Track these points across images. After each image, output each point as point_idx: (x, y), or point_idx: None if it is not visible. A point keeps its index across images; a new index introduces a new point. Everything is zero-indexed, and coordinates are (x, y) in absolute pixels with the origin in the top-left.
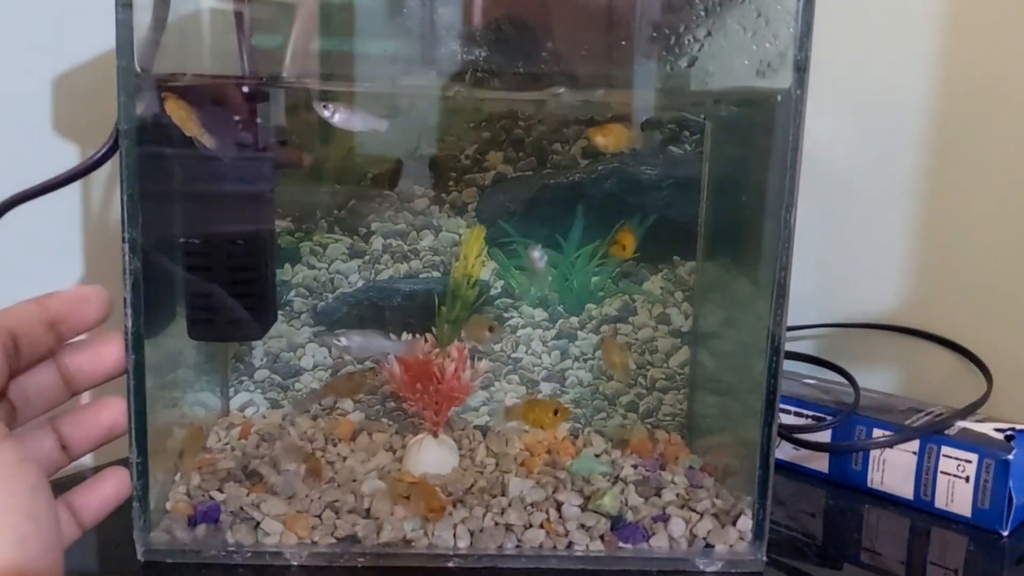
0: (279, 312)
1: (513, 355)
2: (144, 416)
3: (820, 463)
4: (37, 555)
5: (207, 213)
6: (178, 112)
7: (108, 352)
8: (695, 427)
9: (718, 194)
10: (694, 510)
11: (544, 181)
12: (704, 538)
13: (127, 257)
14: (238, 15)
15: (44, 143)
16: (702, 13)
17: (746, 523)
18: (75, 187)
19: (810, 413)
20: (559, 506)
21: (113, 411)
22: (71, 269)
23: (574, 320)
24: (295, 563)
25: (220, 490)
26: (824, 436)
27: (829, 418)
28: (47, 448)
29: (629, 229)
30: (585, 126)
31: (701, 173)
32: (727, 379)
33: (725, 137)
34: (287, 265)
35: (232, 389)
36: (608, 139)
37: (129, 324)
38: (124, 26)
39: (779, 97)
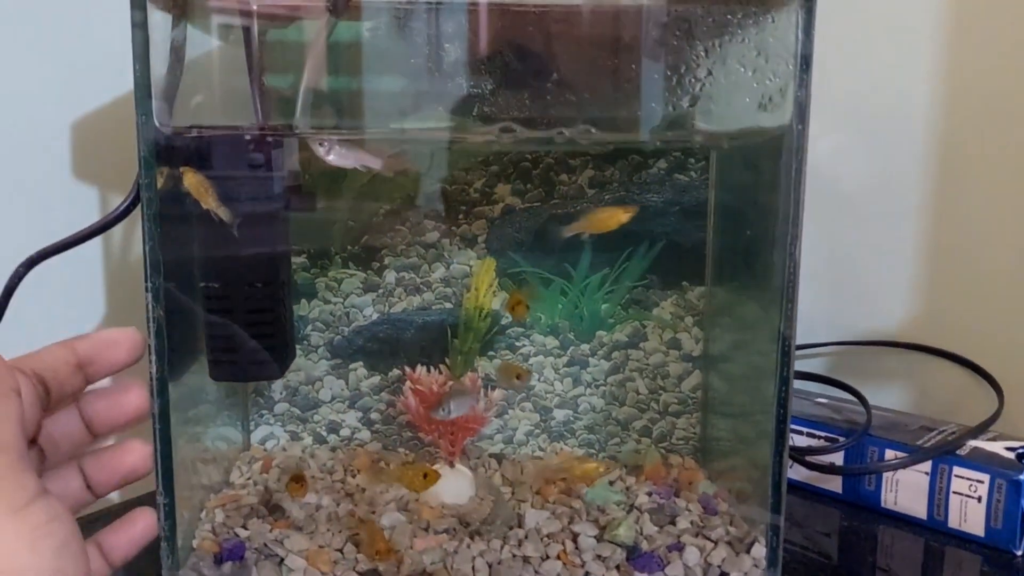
0: (297, 346)
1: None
2: (170, 459)
3: (833, 483)
4: None
5: (225, 259)
6: (197, 187)
7: (128, 400)
8: (709, 450)
9: (725, 220)
10: (708, 538)
11: (552, 211)
12: (719, 566)
13: (150, 305)
14: (249, 58)
15: (62, 190)
16: (703, 53)
17: (760, 551)
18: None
19: (822, 434)
20: (575, 537)
21: (136, 455)
22: (94, 316)
23: (585, 347)
24: None
25: (244, 527)
26: (836, 458)
27: (841, 439)
28: (74, 488)
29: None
30: (591, 158)
31: (707, 199)
32: (739, 402)
33: (730, 164)
34: (303, 300)
35: (252, 423)
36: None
37: (153, 371)
38: (142, 82)
39: (781, 131)
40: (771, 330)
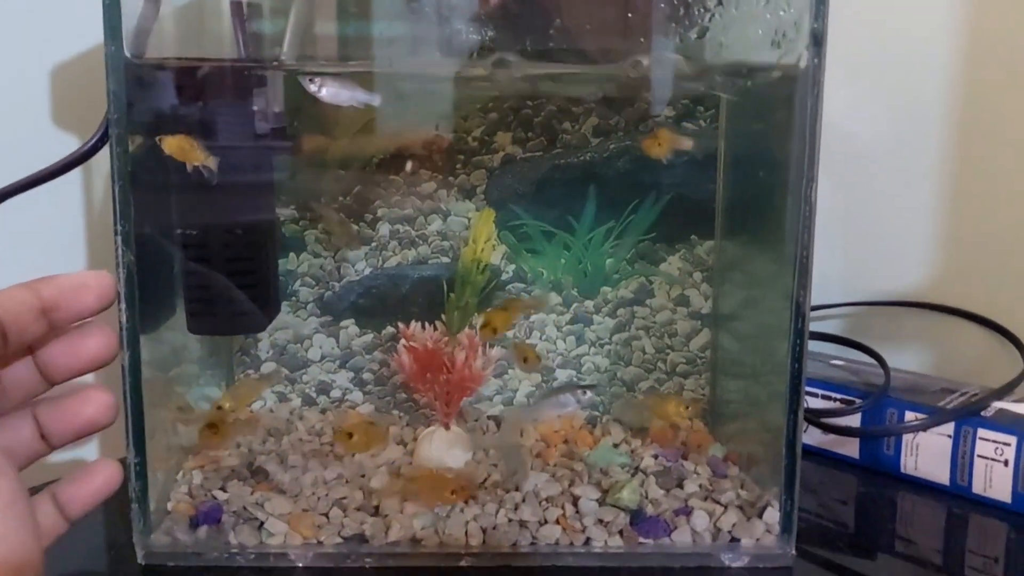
0: (284, 303)
1: (527, 342)
2: (141, 415)
3: (850, 448)
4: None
5: (203, 202)
6: (179, 150)
7: (87, 345)
8: (718, 413)
9: (735, 170)
10: (718, 502)
11: (554, 161)
12: (729, 532)
13: (120, 250)
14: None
15: (44, 136)
16: None
17: (773, 515)
18: (77, 178)
19: (838, 396)
20: (576, 500)
21: (96, 405)
22: (75, 262)
23: (589, 304)
24: (300, 564)
25: (223, 489)
26: (853, 420)
27: (858, 401)
28: (26, 437)
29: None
30: (595, 104)
31: (717, 149)
32: (750, 362)
33: (741, 111)
34: (292, 254)
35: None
36: (662, 147)
37: (123, 319)
38: (112, 10)
39: (797, 68)
40: (784, 286)
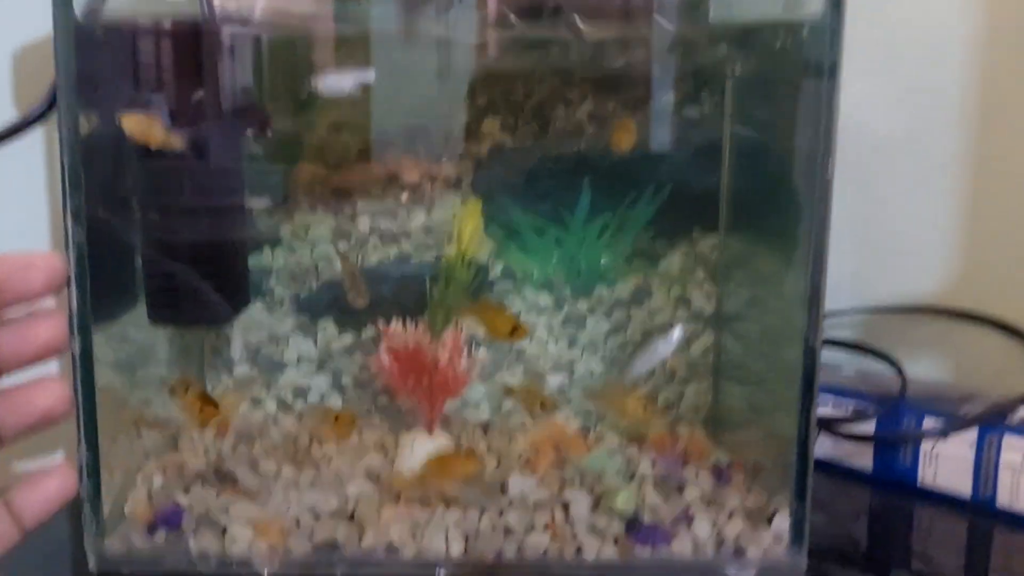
0: (258, 301)
1: (516, 345)
2: (94, 408)
3: (863, 459)
4: None
5: (165, 181)
6: (140, 130)
7: (35, 331)
8: (721, 420)
9: (742, 159)
10: (722, 509)
11: (546, 151)
12: (734, 541)
13: (70, 227)
14: None
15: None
16: None
17: (783, 523)
18: (40, 150)
19: (850, 404)
20: (566, 507)
21: (51, 395)
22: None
23: (582, 304)
24: (265, 572)
25: (186, 491)
26: (868, 429)
27: (872, 408)
28: None
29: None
30: (592, 85)
31: (722, 136)
32: (756, 367)
33: (748, 95)
34: (267, 249)
35: (209, 386)
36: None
37: (74, 304)
38: None
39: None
40: (794, 285)
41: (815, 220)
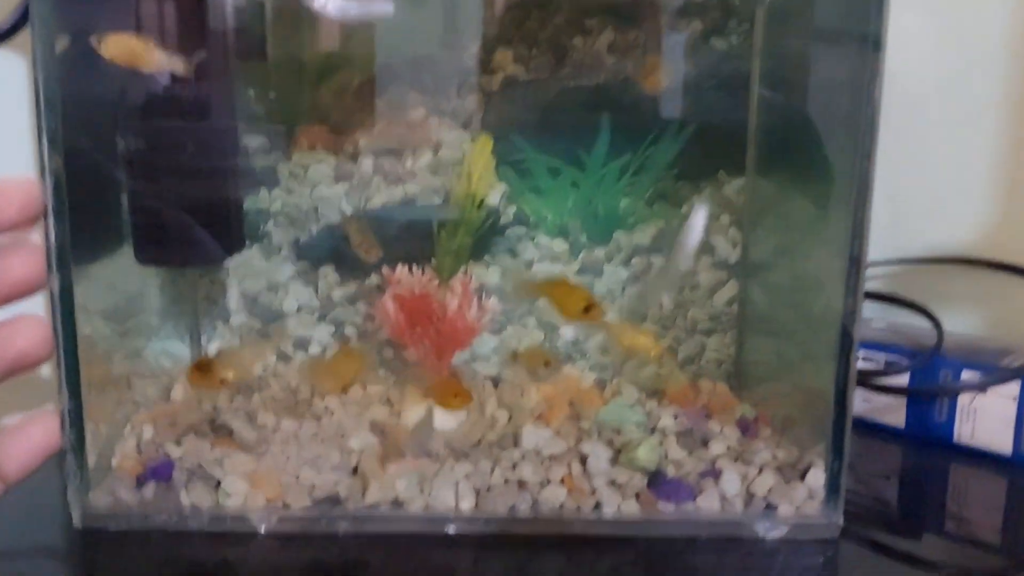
0: (255, 245)
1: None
2: (75, 350)
3: (896, 416)
4: None
5: (151, 109)
6: (129, 53)
7: (9, 264)
8: (745, 375)
9: (773, 95)
10: (750, 463)
11: (562, 85)
12: (764, 497)
13: (46, 154)
14: None
15: None
16: None
17: (818, 477)
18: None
19: (883, 357)
20: (583, 460)
21: (29, 334)
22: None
23: (600, 251)
24: (262, 529)
25: (178, 443)
26: (901, 383)
27: (907, 362)
28: None
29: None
30: (612, 14)
31: (751, 70)
32: (784, 318)
33: (780, 24)
34: (264, 191)
35: (205, 337)
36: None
37: (52, 236)
38: None
39: None
40: (831, 230)
41: (860, 154)
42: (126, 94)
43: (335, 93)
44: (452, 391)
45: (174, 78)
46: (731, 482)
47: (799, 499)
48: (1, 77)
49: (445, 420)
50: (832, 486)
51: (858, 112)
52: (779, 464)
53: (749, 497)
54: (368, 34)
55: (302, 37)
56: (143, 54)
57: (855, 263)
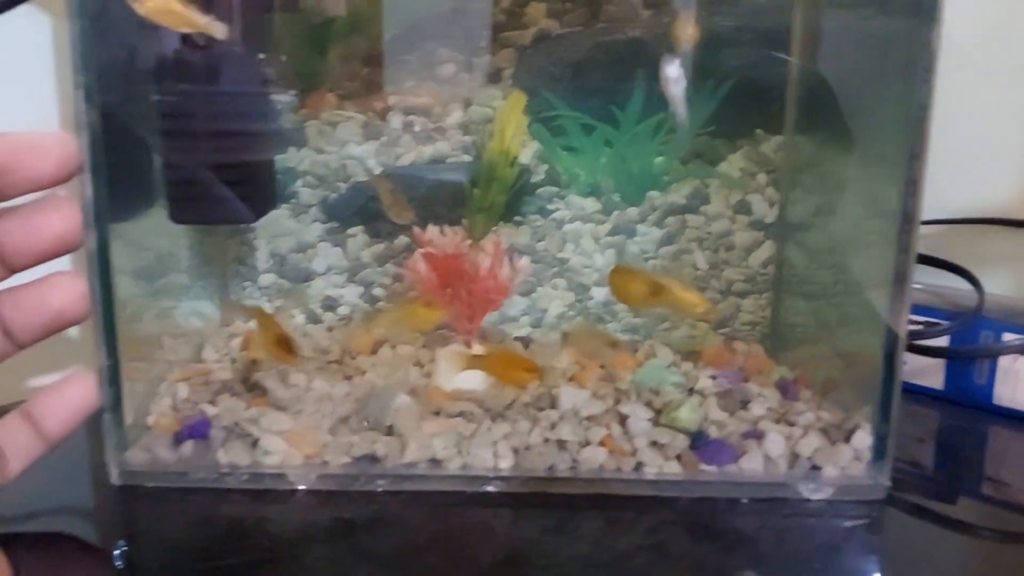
0: (284, 205)
1: (559, 255)
2: (112, 308)
3: (934, 378)
4: None
5: (185, 64)
6: (167, 10)
7: (47, 221)
8: (781, 337)
9: (813, 49)
10: (794, 424)
11: (596, 39)
12: (809, 458)
13: (82, 107)
14: None
15: None
16: None
17: (864, 439)
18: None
19: (921, 319)
20: (623, 420)
21: (63, 291)
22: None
23: (633, 211)
24: (301, 487)
25: (213, 403)
26: (941, 344)
27: (946, 323)
28: None
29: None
30: None
31: (790, 24)
32: (823, 279)
33: None
34: (292, 149)
35: (233, 297)
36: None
37: (89, 192)
38: None
39: None
40: (871, 189)
41: (916, 105)
42: (160, 51)
43: (361, 48)
44: (523, 365)
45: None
46: (775, 443)
47: (844, 460)
48: (27, 36)
49: (475, 380)
50: (879, 448)
51: (911, 63)
52: (823, 426)
53: (793, 458)
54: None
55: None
56: (181, 14)
57: (908, 219)
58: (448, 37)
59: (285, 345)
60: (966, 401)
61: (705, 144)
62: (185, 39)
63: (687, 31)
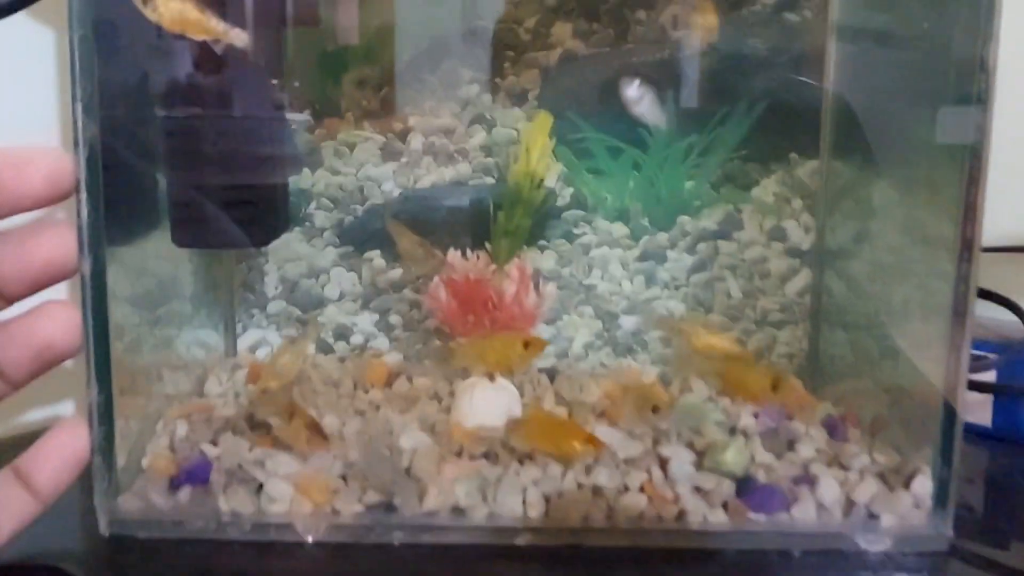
0: (297, 229)
1: (586, 281)
2: (106, 338)
3: (980, 415)
4: None
5: (193, 80)
6: (184, 18)
7: (37, 245)
8: (820, 370)
9: (850, 71)
10: (847, 468)
11: (624, 60)
12: (866, 505)
13: (80, 122)
14: None
15: None
16: None
17: (924, 485)
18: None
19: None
20: (664, 464)
21: (53, 322)
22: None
23: (662, 237)
24: (309, 538)
25: (214, 443)
26: (987, 379)
27: (993, 356)
28: None
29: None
30: None
31: (825, 46)
32: (864, 310)
33: None
34: (306, 170)
35: (240, 325)
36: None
37: (84, 213)
38: None
39: None
40: (911, 216)
41: (972, 127)
42: (169, 65)
43: (377, 75)
44: (577, 435)
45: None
46: (829, 489)
47: (904, 507)
48: (30, 49)
49: (498, 415)
50: (940, 495)
51: (963, 81)
52: (880, 470)
53: (849, 506)
54: (418, 3)
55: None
56: (199, 21)
57: (968, 248)
58: (471, 57)
59: (315, 429)
60: (1016, 438)
61: (737, 168)
62: (199, 56)
63: (707, 20)
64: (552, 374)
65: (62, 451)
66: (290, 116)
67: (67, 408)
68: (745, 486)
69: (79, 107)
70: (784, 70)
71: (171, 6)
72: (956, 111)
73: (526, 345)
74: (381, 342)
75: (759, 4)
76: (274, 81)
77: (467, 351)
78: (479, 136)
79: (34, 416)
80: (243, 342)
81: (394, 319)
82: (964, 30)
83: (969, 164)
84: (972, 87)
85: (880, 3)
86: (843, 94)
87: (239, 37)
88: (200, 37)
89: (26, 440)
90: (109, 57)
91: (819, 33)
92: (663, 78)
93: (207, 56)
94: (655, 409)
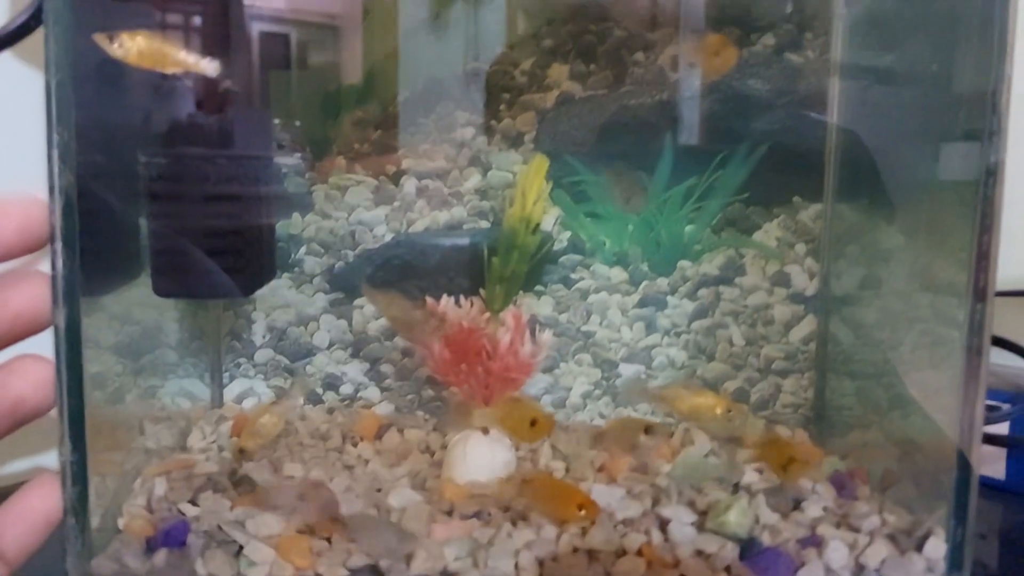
0: (286, 275)
1: (583, 328)
2: (81, 395)
3: (993, 468)
4: None
5: (175, 122)
6: (149, 55)
7: (6, 296)
8: (826, 421)
9: (853, 113)
10: (857, 530)
11: (622, 102)
12: (876, 570)
13: (56, 169)
14: None
15: None
16: None
17: (938, 548)
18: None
19: None
20: (664, 525)
21: (24, 375)
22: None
23: (662, 282)
24: None
25: (194, 502)
26: (999, 430)
27: (1005, 406)
28: None
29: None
30: (674, 28)
31: (828, 87)
32: (871, 358)
33: (862, 36)
34: (296, 215)
35: (227, 375)
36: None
37: (59, 264)
38: None
39: None
40: (919, 262)
41: (983, 171)
42: (149, 109)
43: (373, 115)
44: (574, 499)
45: (205, 82)
46: (838, 553)
47: (917, 570)
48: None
49: (493, 470)
50: (955, 558)
51: (974, 124)
52: (892, 531)
53: (858, 570)
54: (413, 45)
55: (343, 47)
56: (168, 54)
57: (981, 298)
58: (466, 99)
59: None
60: None
61: (738, 212)
62: (187, 97)
63: (726, 54)
64: None
65: (31, 514)
66: (279, 159)
67: (51, 459)
68: (749, 549)
69: (55, 153)
70: (786, 111)
71: (137, 41)
72: (961, 147)
73: (533, 423)
74: (372, 392)
75: (761, 45)
76: (276, 121)
77: (488, 415)
78: (474, 179)
79: (16, 467)
80: (229, 392)
81: (385, 368)
82: (974, 71)
83: (981, 211)
84: (982, 126)
85: (884, 44)
86: (847, 136)
87: (209, 67)
88: (170, 70)
89: (6, 493)
90: (88, 99)
91: (822, 74)
92: (662, 120)
93: (194, 97)
94: (647, 430)
